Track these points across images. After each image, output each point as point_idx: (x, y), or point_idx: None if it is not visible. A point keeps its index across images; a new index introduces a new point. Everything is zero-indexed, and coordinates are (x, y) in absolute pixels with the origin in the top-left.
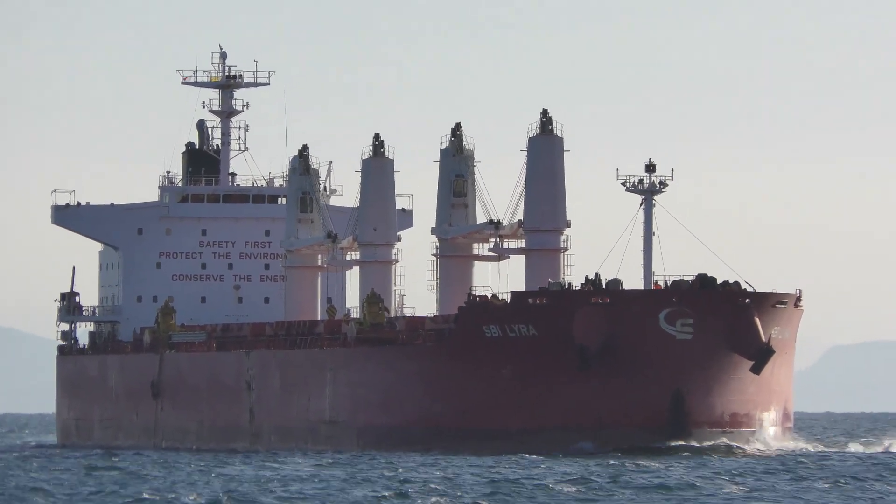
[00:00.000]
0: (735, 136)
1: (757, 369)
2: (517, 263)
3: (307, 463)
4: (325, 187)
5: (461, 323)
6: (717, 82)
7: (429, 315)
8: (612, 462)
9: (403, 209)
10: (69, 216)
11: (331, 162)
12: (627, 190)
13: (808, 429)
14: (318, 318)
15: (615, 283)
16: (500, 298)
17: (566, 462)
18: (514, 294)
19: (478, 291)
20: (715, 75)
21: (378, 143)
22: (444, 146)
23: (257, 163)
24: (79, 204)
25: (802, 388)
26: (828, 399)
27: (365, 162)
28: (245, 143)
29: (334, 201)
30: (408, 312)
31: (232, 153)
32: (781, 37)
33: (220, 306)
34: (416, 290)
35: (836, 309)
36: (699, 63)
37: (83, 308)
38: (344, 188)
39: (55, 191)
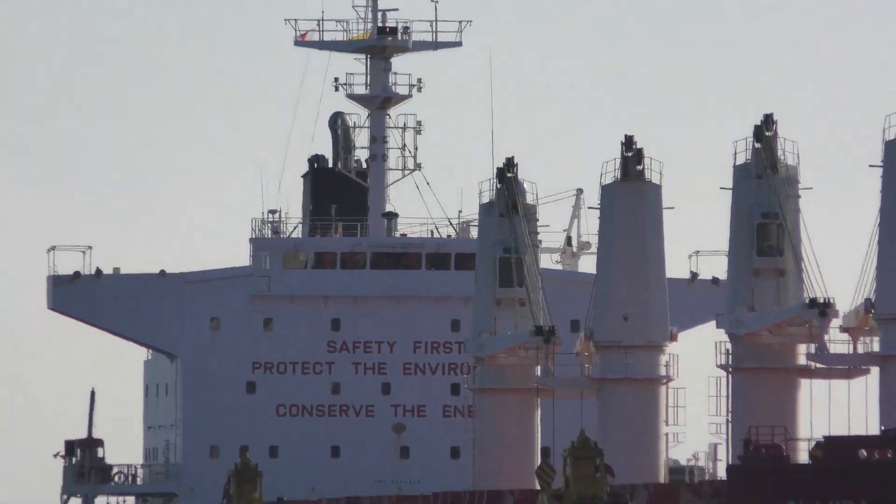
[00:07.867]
0: None
1: None
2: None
3: None
4: (570, 239)
5: (731, 497)
6: None
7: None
8: None
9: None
10: (79, 294)
11: (580, 190)
12: None
13: None
14: (522, 487)
15: None
16: (819, 447)
17: None
18: (828, 440)
19: (764, 433)
20: None
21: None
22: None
23: (437, 194)
24: (98, 272)
25: None
26: None
27: (605, 188)
28: (415, 158)
29: (584, 264)
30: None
31: (391, 175)
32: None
33: (366, 464)
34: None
35: None
36: None
37: (113, 469)
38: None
39: (53, 248)
